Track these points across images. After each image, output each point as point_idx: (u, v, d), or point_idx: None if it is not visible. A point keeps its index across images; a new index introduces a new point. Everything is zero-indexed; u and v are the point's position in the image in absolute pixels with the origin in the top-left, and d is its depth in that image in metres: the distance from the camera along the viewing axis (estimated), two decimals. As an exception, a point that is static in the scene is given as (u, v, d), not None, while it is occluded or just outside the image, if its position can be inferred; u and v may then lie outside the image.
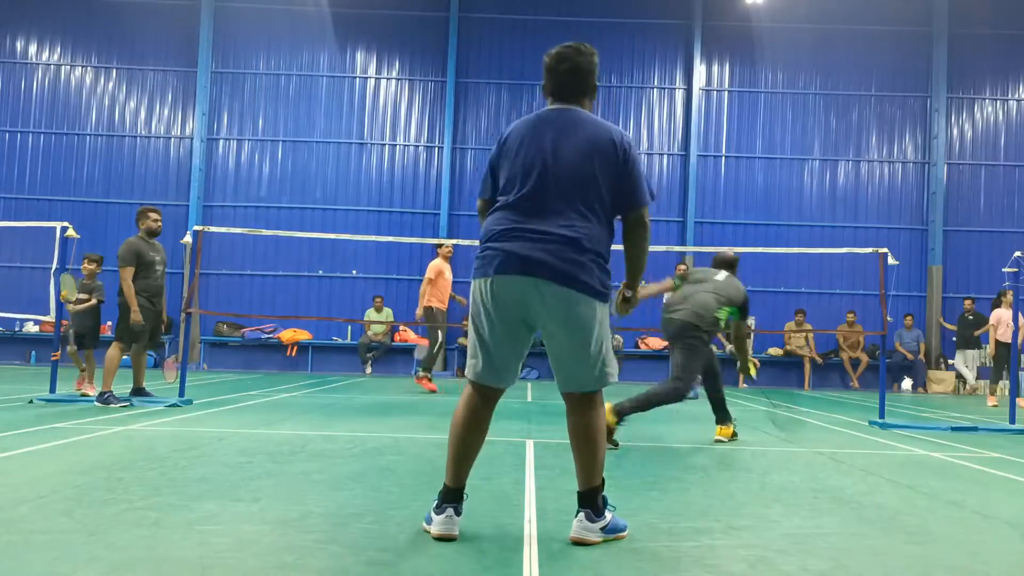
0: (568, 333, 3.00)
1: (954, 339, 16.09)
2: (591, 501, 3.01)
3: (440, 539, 2.95)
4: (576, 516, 3.01)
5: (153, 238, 8.14)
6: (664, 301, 6.85)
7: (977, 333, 15.74)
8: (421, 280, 17.21)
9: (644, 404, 5.88)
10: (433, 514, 3.05)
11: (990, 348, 12.48)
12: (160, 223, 8.24)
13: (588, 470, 3.04)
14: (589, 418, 3.10)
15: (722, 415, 6.45)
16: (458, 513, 3.03)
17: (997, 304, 12.34)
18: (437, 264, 11.54)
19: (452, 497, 3.05)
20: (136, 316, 7.71)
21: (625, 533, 3.09)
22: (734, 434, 6.41)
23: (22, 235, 16.40)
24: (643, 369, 16.99)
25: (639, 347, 16.97)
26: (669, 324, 6.44)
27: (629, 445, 5.90)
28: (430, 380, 10.95)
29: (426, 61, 17.59)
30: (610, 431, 5.54)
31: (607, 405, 4.39)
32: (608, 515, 3.04)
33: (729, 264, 7.16)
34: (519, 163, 3.11)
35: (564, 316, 2.96)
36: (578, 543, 2.95)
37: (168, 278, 16.23)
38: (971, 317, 15.81)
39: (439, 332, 11.21)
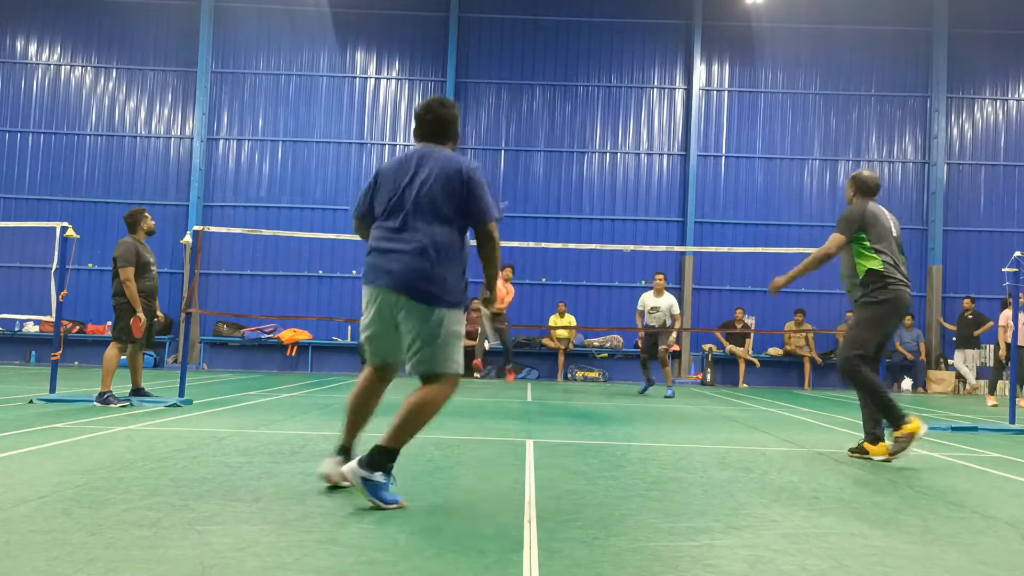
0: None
1: (954, 339, 16.09)
2: (375, 453, 3.46)
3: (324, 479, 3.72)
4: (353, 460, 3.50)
5: (149, 237, 8.15)
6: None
7: (977, 333, 15.74)
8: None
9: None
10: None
11: (1001, 350, 12.39)
12: (154, 221, 8.26)
13: (394, 432, 3.53)
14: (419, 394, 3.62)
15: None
16: (343, 463, 3.64)
17: (1006, 305, 12.31)
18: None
19: (342, 451, 3.77)
20: (141, 316, 7.71)
21: (389, 506, 3.41)
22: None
23: (22, 235, 16.41)
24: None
25: (639, 347, 16.95)
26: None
27: (629, 445, 5.90)
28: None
29: (426, 61, 17.59)
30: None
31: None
32: (379, 477, 3.41)
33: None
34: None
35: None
36: (327, 479, 3.71)
37: (168, 278, 16.43)
38: (971, 316, 15.81)
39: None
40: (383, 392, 3.93)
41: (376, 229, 3.76)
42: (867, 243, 5.55)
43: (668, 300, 12.14)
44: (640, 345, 12.80)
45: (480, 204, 3.66)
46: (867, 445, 5.48)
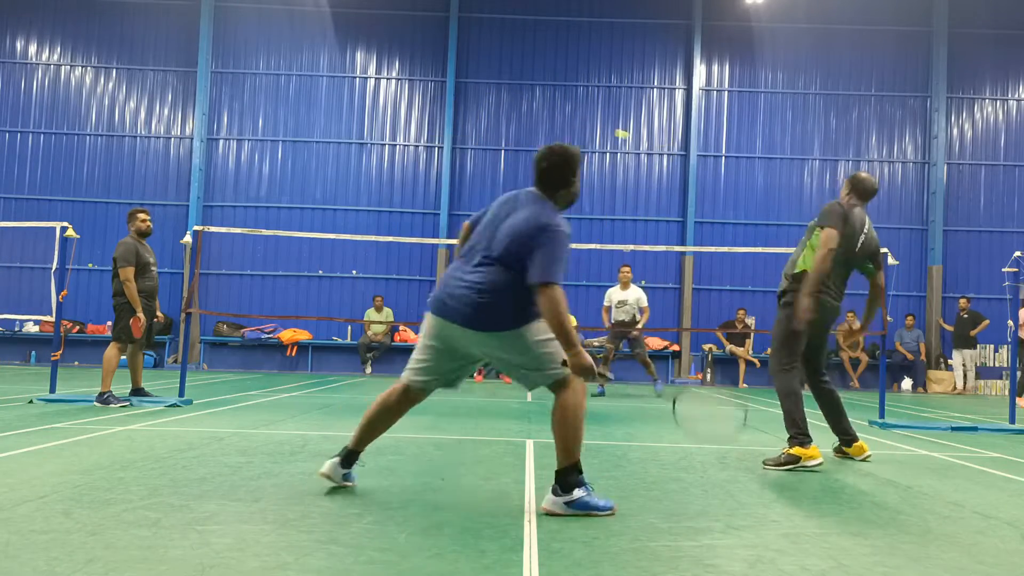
0: None
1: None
2: (558, 478, 3.47)
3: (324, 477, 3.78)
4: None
5: (144, 239, 8.11)
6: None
7: (973, 332, 15.74)
8: (421, 280, 17.34)
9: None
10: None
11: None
12: (149, 223, 8.17)
13: (557, 450, 3.54)
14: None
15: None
16: (344, 467, 3.82)
17: None
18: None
19: (347, 455, 3.85)
20: (141, 316, 7.71)
21: (603, 513, 3.41)
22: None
23: (22, 235, 16.41)
24: (641, 369, 16.98)
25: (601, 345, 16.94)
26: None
27: (629, 445, 5.90)
28: None
29: (426, 61, 17.59)
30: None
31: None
32: (578, 493, 3.41)
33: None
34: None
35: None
36: (547, 513, 3.41)
37: (168, 278, 16.43)
38: (966, 316, 15.82)
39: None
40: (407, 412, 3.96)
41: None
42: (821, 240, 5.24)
43: (635, 293, 11.92)
44: (608, 344, 12.26)
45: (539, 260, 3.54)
46: (845, 450, 5.46)
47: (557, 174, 3.71)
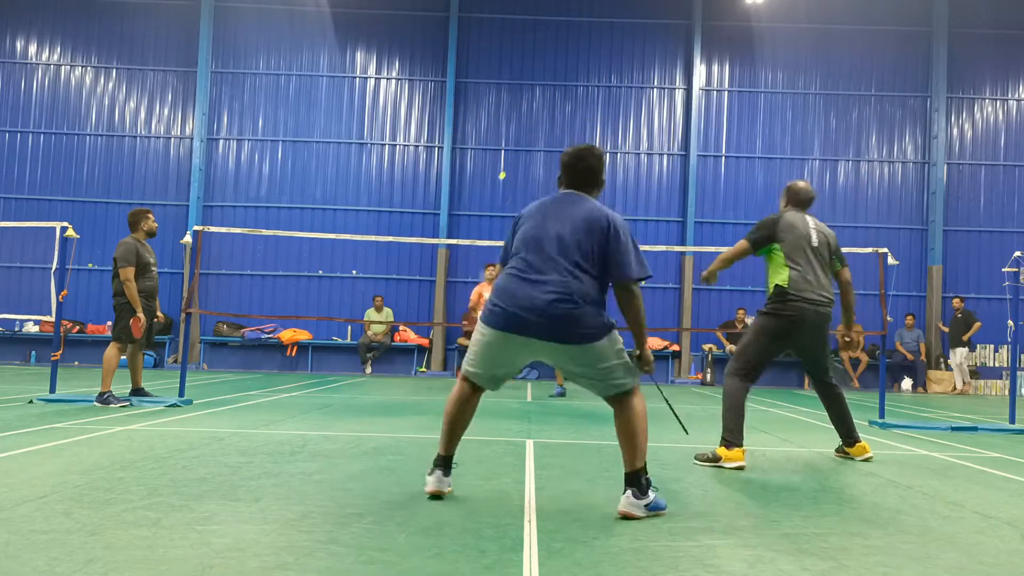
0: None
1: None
2: (635, 481, 3.50)
3: (432, 495, 3.67)
4: (624, 493, 3.49)
5: (150, 238, 8.13)
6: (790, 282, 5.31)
7: (965, 337, 15.74)
8: (421, 280, 17.34)
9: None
10: (427, 476, 3.74)
11: None
12: (156, 223, 8.22)
13: (629, 454, 3.59)
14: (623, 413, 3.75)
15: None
16: (446, 474, 3.73)
17: None
18: (480, 288, 12.24)
19: (442, 462, 3.75)
20: (141, 316, 7.71)
21: (665, 511, 3.53)
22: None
23: (22, 235, 16.41)
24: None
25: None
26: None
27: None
28: None
29: (426, 61, 17.59)
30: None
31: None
32: (651, 495, 3.49)
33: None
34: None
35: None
36: (625, 517, 3.41)
37: (168, 278, 16.44)
38: (960, 316, 15.83)
39: None
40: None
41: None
42: (780, 254, 5.30)
43: None
44: None
45: (623, 257, 3.72)
46: (848, 450, 5.50)
47: (596, 174, 3.82)
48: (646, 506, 3.45)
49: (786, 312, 5.18)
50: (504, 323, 3.58)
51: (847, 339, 5.92)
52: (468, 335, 16.09)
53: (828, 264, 5.40)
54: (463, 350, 15.68)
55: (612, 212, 3.73)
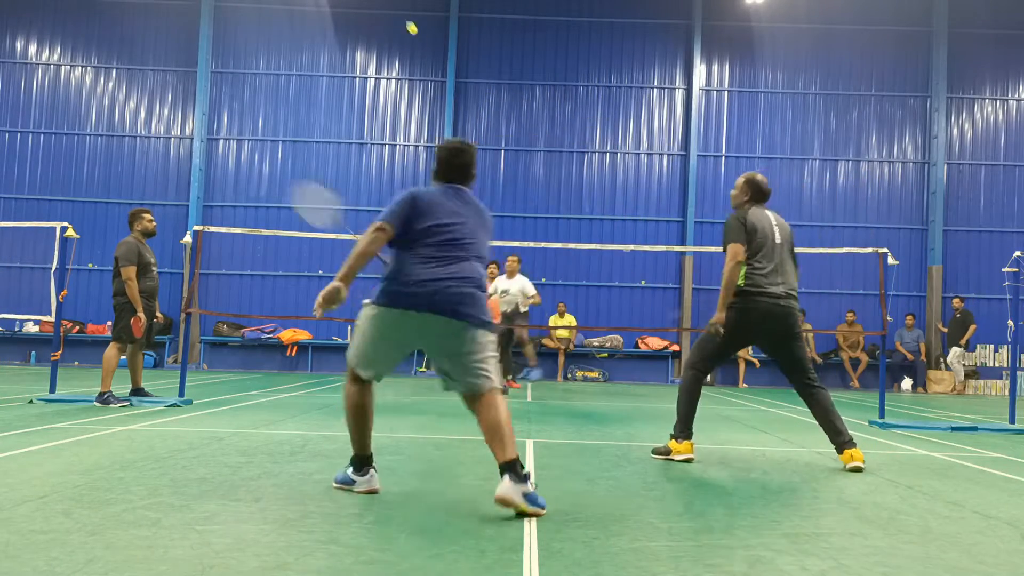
0: None
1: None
2: (512, 468, 3.47)
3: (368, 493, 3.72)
4: (501, 479, 3.45)
5: (147, 238, 8.12)
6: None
7: (963, 340, 15.73)
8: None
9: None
10: (356, 477, 3.78)
11: None
12: (155, 224, 8.21)
13: (500, 446, 3.60)
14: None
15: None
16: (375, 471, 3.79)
17: None
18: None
19: (369, 460, 3.81)
20: (141, 316, 7.72)
21: (544, 511, 3.39)
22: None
23: (22, 235, 16.41)
24: (641, 369, 17.02)
25: (638, 347, 16.97)
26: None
27: (629, 445, 5.90)
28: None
29: (426, 61, 17.59)
30: None
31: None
32: (529, 485, 3.44)
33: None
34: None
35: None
36: (503, 501, 3.37)
37: (168, 278, 16.43)
38: (959, 316, 15.83)
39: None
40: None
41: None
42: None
43: (520, 282, 11.73)
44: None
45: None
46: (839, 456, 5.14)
47: (474, 168, 4.06)
48: (524, 495, 3.36)
49: (745, 307, 5.07)
50: (407, 302, 3.66)
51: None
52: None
53: (793, 259, 5.29)
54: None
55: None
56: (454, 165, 3.97)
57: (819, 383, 5.33)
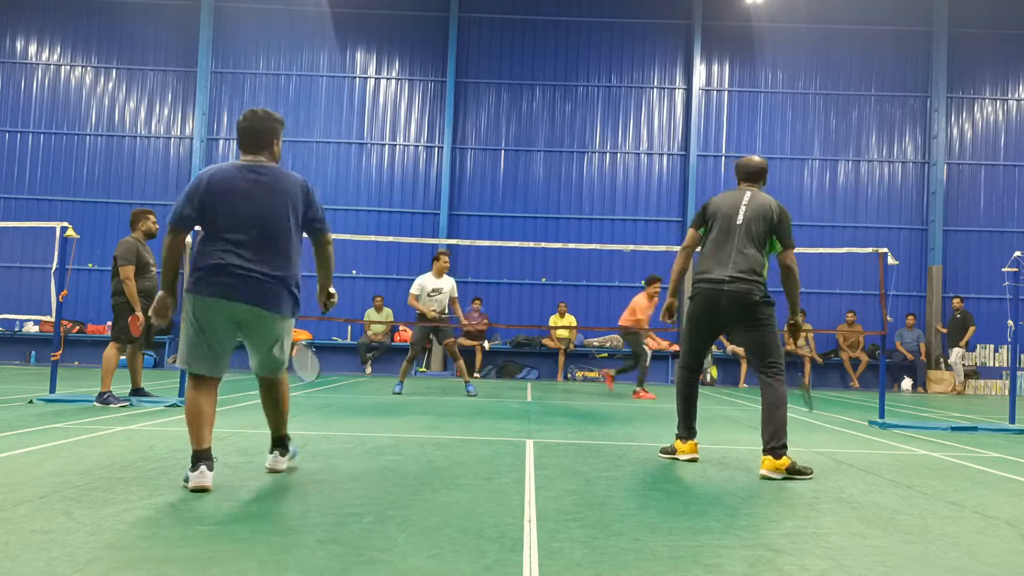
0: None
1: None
2: (282, 443, 4.35)
3: (196, 490, 3.66)
4: (271, 454, 4.33)
5: (149, 240, 8.12)
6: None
7: (963, 342, 15.73)
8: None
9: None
10: (189, 472, 3.75)
11: None
12: (157, 225, 8.21)
13: (276, 422, 4.34)
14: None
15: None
16: (210, 468, 3.77)
17: None
18: (640, 300, 11.98)
19: (205, 455, 3.81)
20: (140, 315, 7.71)
21: (296, 457, 4.43)
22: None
23: (22, 235, 16.41)
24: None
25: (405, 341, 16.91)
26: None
27: (629, 445, 5.90)
28: (645, 391, 11.60)
29: (426, 61, 17.59)
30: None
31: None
32: (292, 449, 4.39)
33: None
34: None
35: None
36: (273, 471, 4.26)
37: (168, 278, 16.36)
38: (959, 316, 15.83)
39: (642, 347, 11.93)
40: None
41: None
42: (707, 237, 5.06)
43: (449, 282, 10.91)
44: (410, 338, 11.14)
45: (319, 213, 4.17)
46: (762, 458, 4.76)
47: (258, 135, 4.07)
48: (289, 458, 4.33)
49: (693, 294, 5.00)
50: (215, 290, 3.86)
51: (791, 322, 5.07)
52: (471, 336, 16.11)
53: (759, 242, 4.91)
54: (461, 349, 15.64)
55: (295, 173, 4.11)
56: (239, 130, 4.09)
57: (776, 376, 4.79)
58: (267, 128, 4.07)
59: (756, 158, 5.29)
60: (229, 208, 3.87)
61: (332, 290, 4.41)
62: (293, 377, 3.84)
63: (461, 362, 10.97)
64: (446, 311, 10.89)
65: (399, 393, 10.66)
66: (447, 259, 11.06)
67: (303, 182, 4.09)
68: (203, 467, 3.71)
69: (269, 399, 4.25)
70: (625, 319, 11.94)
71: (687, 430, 5.15)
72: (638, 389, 11.62)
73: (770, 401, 4.76)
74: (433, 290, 10.85)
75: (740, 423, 8.01)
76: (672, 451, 5.21)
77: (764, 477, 4.55)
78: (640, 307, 11.87)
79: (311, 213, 4.10)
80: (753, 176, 5.19)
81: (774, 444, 4.60)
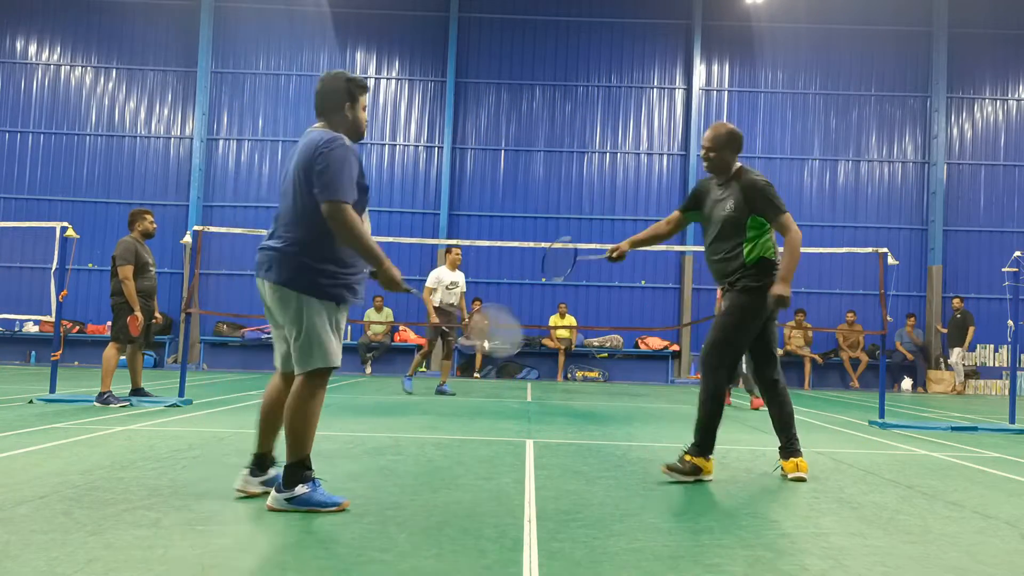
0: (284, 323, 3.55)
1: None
2: (287, 474, 3.43)
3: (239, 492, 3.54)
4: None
5: (147, 239, 8.13)
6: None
7: (964, 345, 15.71)
8: (421, 280, 17.25)
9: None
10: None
11: None
12: (155, 225, 8.22)
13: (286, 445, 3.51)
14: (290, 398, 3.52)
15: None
16: (253, 474, 3.59)
17: None
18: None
19: (256, 461, 3.62)
20: (139, 315, 7.72)
21: (331, 509, 3.36)
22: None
23: (22, 235, 16.40)
24: (641, 369, 17.00)
25: (639, 347, 16.96)
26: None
27: (629, 445, 5.90)
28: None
29: (426, 61, 17.59)
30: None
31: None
32: (300, 489, 3.37)
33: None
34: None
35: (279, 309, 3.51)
36: (271, 509, 3.36)
37: (168, 278, 16.43)
38: (959, 316, 15.83)
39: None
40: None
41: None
42: (760, 220, 4.81)
43: (462, 275, 10.98)
44: (433, 332, 10.80)
45: (325, 179, 3.52)
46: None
47: (320, 97, 3.84)
48: (287, 500, 3.37)
49: (763, 288, 4.63)
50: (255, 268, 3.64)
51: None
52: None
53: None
54: (461, 350, 15.65)
55: (328, 136, 3.61)
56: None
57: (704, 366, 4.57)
58: (329, 89, 3.77)
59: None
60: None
61: (372, 269, 3.71)
62: (344, 390, 3.43)
63: (449, 363, 11.13)
64: (457, 304, 10.94)
65: (410, 392, 10.54)
66: (459, 252, 11.08)
67: (321, 139, 3.59)
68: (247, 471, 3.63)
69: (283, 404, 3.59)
70: None
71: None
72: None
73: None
74: (451, 283, 10.91)
75: (740, 423, 8.00)
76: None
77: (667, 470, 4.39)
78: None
79: (313, 177, 3.53)
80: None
81: (700, 445, 4.40)
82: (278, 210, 3.66)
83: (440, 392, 10.67)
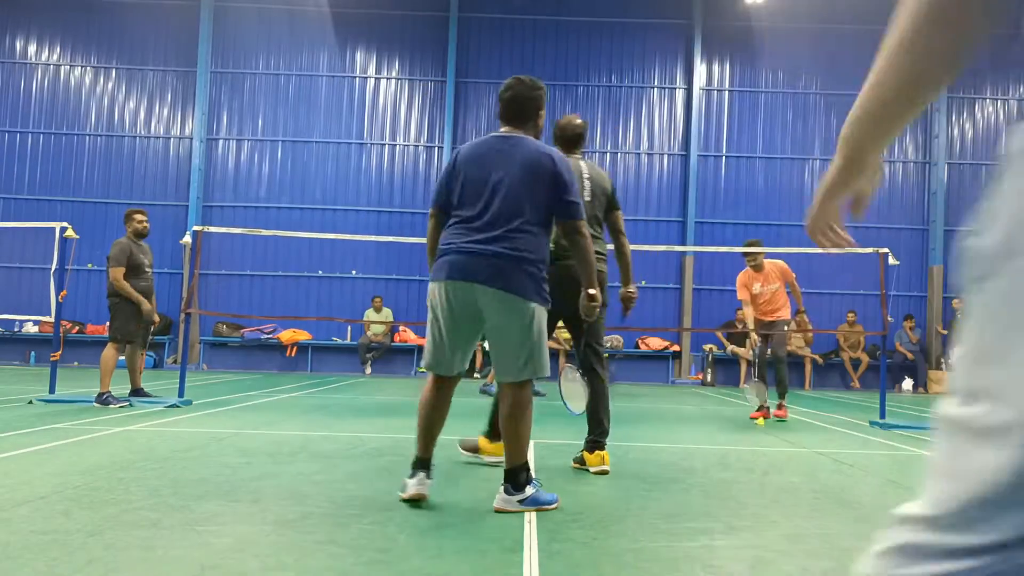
0: (500, 329, 3.53)
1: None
2: (512, 477, 3.51)
3: (412, 499, 3.50)
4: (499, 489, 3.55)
5: (141, 239, 8.13)
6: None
7: None
8: (421, 280, 17.33)
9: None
10: (407, 480, 3.57)
11: None
12: (146, 224, 8.22)
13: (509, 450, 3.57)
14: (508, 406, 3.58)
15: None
16: (428, 477, 3.58)
17: None
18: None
19: (422, 464, 3.61)
20: (146, 307, 7.75)
21: (552, 506, 3.51)
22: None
23: (22, 235, 16.39)
24: (641, 369, 17.00)
25: (639, 347, 16.97)
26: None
27: (629, 445, 5.90)
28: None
29: (426, 61, 17.59)
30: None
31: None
32: (529, 490, 3.48)
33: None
34: (470, 184, 3.63)
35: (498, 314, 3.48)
36: (499, 511, 3.44)
37: (168, 278, 16.44)
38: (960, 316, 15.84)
39: None
40: (449, 401, 3.86)
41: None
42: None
43: None
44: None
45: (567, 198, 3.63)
46: (585, 454, 4.79)
47: (519, 104, 3.77)
48: (520, 501, 3.46)
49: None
50: (448, 271, 3.49)
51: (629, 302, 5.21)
52: None
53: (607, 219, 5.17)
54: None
55: (551, 150, 3.68)
56: (501, 101, 3.78)
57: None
58: (530, 97, 3.75)
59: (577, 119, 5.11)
60: (473, 176, 3.60)
61: (593, 291, 3.81)
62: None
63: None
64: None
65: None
66: None
67: (554, 153, 3.67)
68: (422, 474, 3.58)
69: (502, 414, 3.59)
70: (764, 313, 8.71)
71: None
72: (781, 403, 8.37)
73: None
74: None
75: (740, 423, 8.00)
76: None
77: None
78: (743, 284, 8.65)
79: (559, 190, 3.57)
80: (579, 143, 5.08)
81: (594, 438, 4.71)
82: (486, 214, 3.52)
83: (484, 391, 10.72)
